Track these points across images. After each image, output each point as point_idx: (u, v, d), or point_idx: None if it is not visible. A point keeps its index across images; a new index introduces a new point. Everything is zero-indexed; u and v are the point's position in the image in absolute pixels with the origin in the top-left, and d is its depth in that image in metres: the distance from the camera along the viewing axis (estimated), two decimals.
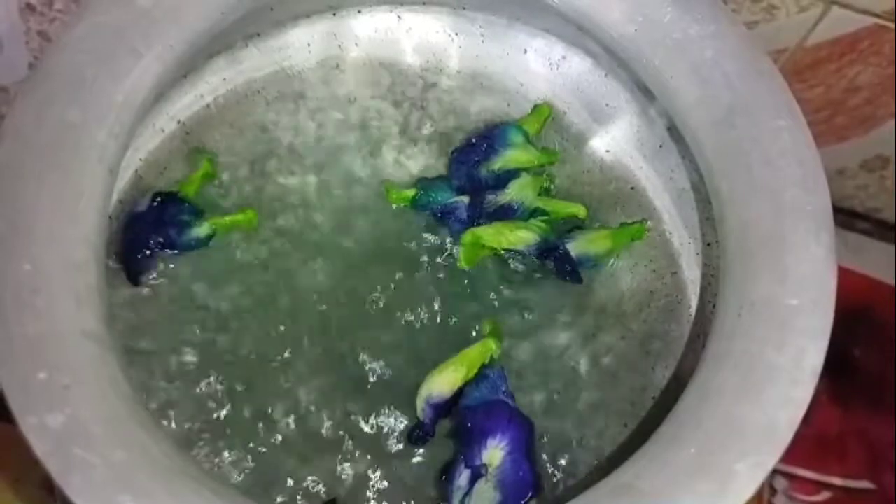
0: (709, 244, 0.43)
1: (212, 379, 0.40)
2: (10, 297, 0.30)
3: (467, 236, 0.42)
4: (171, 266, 0.41)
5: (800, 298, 0.33)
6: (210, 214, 0.42)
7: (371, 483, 0.39)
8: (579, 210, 0.44)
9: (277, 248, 0.43)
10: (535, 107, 0.46)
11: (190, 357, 0.40)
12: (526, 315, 0.43)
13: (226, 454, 0.39)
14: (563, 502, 0.31)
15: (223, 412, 0.39)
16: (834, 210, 0.35)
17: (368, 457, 0.40)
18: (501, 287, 0.43)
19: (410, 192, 0.44)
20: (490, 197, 0.44)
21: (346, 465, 0.39)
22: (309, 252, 0.43)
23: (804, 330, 0.33)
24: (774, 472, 0.57)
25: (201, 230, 0.42)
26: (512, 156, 0.44)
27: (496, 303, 0.43)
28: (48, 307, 0.30)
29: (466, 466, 0.37)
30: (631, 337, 0.43)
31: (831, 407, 0.59)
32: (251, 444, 0.39)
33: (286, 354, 0.41)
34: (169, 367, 0.40)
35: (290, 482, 0.39)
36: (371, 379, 0.41)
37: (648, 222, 0.45)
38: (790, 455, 0.31)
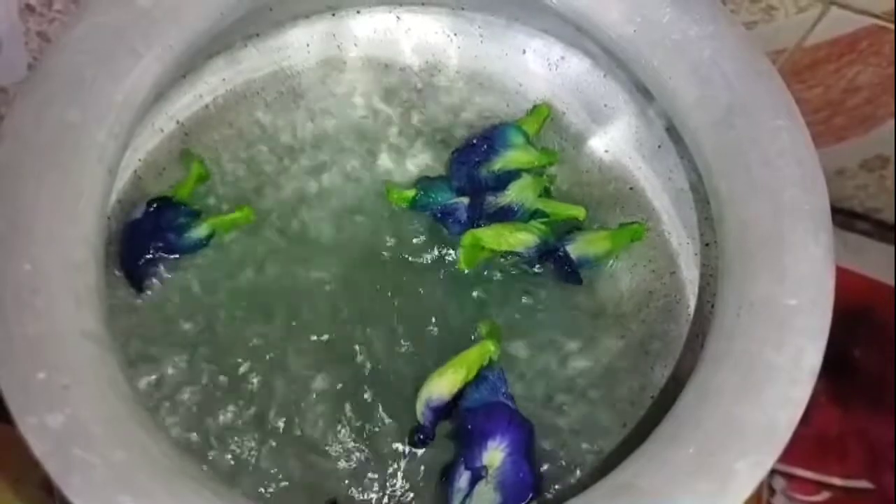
0: (707, 244, 0.43)
1: (211, 380, 0.40)
2: (10, 297, 0.30)
3: (467, 238, 0.42)
4: (172, 269, 0.42)
5: (798, 298, 0.33)
6: (207, 215, 0.42)
7: (371, 484, 0.39)
8: (579, 212, 0.44)
9: (277, 249, 0.43)
10: (534, 107, 0.46)
11: (190, 358, 0.40)
12: (525, 316, 0.43)
13: (226, 454, 0.39)
14: (563, 501, 0.31)
15: (223, 413, 0.39)
16: (833, 210, 0.35)
17: (368, 458, 0.40)
18: (501, 289, 0.43)
19: (410, 193, 0.44)
20: (490, 198, 0.44)
21: (346, 466, 0.39)
22: (308, 253, 0.43)
23: (803, 330, 0.33)
24: (773, 471, 0.57)
25: (200, 231, 0.42)
26: (512, 156, 0.44)
27: (495, 304, 0.43)
28: (48, 307, 0.30)
29: (466, 468, 0.37)
30: (630, 337, 0.43)
31: (831, 407, 0.59)
32: (251, 445, 0.39)
33: (286, 356, 0.41)
34: (169, 368, 0.40)
35: (289, 483, 0.39)
36: (370, 380, 0.41)
37: (647, 223, 0.45)
38: (789, 455, 0.31)
